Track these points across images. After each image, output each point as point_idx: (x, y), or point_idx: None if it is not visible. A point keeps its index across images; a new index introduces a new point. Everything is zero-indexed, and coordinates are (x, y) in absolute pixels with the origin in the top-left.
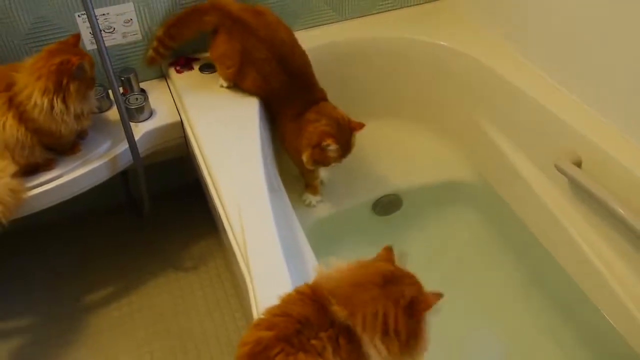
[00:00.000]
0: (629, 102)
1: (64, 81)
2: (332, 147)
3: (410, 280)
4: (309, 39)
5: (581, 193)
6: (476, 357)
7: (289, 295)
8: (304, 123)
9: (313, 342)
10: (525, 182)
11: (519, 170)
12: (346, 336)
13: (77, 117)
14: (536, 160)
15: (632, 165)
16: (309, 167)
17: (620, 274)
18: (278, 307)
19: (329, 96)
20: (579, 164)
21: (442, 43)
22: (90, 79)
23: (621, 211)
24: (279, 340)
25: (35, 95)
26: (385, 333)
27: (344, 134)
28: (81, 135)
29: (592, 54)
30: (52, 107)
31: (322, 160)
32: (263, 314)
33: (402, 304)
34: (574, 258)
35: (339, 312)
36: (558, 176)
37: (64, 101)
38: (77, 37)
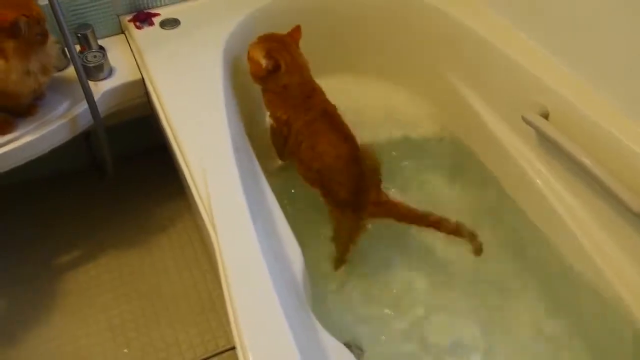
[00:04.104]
0: (595, 54)
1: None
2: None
3: None
4: None
5: (548, 144)
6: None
7: None
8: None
9: None
10: (493, 134)
11: (487, 122)
12: None
13: (26, 75)
14: (503, 113)
15: (598, 117)
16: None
17: (583, 221)
18: None
19: None
20: (546, 116)
21: None
22: (38, 35)
23: (587, 162)
24: None
25: None
26: None
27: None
28: (38, 97)
29: (558, 4)
30: None
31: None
32: None
33: None
34: (539, 207)
35: None
36: (525, 128)
37: (6, 60)
38: None
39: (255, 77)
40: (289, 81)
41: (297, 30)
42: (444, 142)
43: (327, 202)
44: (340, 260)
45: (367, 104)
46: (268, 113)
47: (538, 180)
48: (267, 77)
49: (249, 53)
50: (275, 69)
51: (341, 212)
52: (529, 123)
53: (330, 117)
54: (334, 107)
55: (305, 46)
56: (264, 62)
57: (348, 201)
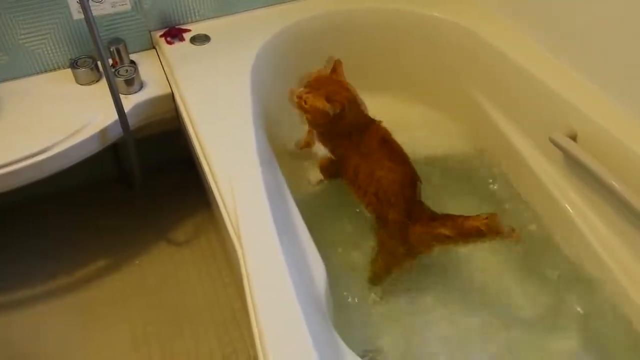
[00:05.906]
0: (625, 75)
1: None
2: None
3: None
4: (301, 10)
5: (576, 167)
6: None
7: None
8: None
9: None
10: (520, 155)
11: (514, 143)
12: None
13: None
14: (531, 134)
15: (628, 139)
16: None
17: (612, 246)
18: None
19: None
20: (574, 138)
21: (435, 14)
22: None
23: (616, 185)
24: None
25: None
26: None
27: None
28: None
29: (588, 25)
30: None
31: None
32: None
33: None
34: (567, 231)
35: None
36: (553, 150)
37: None
38: None
39: (318, 125)
40: (350, 118)
41: (338, 64)
42: (473, 162)
43: (377, 224)
44: (373, 282)
45: (398, 121)
46: (322, 147)
47: (566, 204)
48: (332, 122)
49: (304, 104)
50: (341, 111)
51: (388, 236)
52: (556, 144)
53: (387, 144)
54: (387, 132)
55: None
56: (329, 108)
57: (396, 222)
